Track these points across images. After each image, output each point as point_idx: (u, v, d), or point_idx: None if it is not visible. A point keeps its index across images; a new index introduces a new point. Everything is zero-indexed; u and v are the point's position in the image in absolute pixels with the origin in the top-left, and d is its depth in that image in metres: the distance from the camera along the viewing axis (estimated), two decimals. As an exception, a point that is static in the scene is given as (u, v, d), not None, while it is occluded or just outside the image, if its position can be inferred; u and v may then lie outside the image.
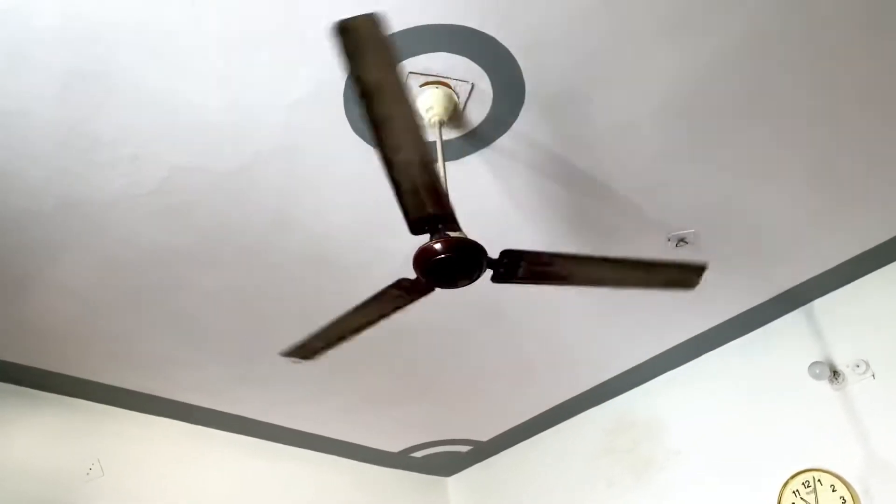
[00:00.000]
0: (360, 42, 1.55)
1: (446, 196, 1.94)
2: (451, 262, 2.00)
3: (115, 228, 2.75)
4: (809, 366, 3.45)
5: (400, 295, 2.24)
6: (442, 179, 1.96)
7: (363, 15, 1.50)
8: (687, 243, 3.11)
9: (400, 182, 1.86)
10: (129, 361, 3.57)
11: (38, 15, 1.99)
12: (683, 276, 2.42)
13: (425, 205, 1.93)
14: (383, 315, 2.35)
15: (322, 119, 2.40)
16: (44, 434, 3.60)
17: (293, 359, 2.61)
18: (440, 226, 1.99)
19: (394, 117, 1.71)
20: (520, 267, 2.15)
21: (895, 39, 2.30)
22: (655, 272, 2.43)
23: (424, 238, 2.02)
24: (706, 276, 3.14)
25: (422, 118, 2.15)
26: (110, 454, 3.76)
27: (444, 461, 5.09)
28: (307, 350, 2.56)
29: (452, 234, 2.01)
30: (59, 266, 2.90)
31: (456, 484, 5.28)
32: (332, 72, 2.23)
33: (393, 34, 2.12)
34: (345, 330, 2.43)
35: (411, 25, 2.11)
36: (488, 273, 2.13)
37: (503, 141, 2.54)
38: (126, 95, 2.25)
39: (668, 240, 3.09)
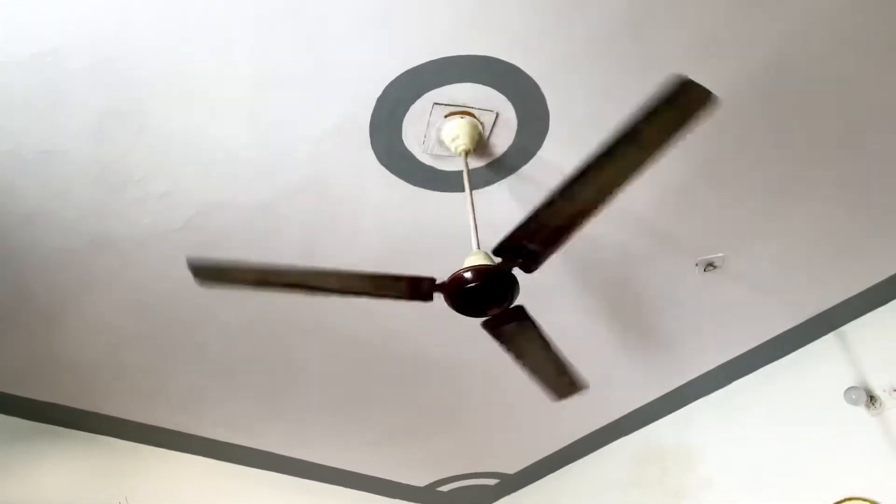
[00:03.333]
0: (681, 103, 1.60)
1: (560, 244, 1.96)
2: (481, 290, 2.00)
3: (146, 264, 2.78)
4: (845, 391, 3.38)
5: (394, 285, 2.10)
6: (569, 235, 1.97)
7: (706, 89, 1.57)
8: (715, 268, 3.09)
9: (551, 206, 1.86)
10: (158, 398, 3.58)
11: (72, 57, 2.05)
12: (563, 384, 2.56)
13: (536, 236, 1.94)
14: (365, 293, 2.12)
15: (348, 152, 2.43)
16: (72, 472, 3.60)
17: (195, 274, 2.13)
18: (522, 259, 2.00)
19: (625, 162, 1.75)
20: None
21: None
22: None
23: (453, 265, 2.02)
24: (736, 298, 3.13)
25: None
26: (138, 492, 3.73)
27: (472, 495, 5.02)
28: (219, 273, 2.17)
29: (482, 262, 2.01)
30: (88, 303, 2.93)
31: (483, 518, 5.19)
32: (357, 105, 2.27)
33: (420, 65, 2.15)
34: (292, 279, 2.12)
35: (436, 57, 2.15)
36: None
37: (528, 169, 2.56)
38: (157, 134, 2.30)
39: (697, 265, 3.07)
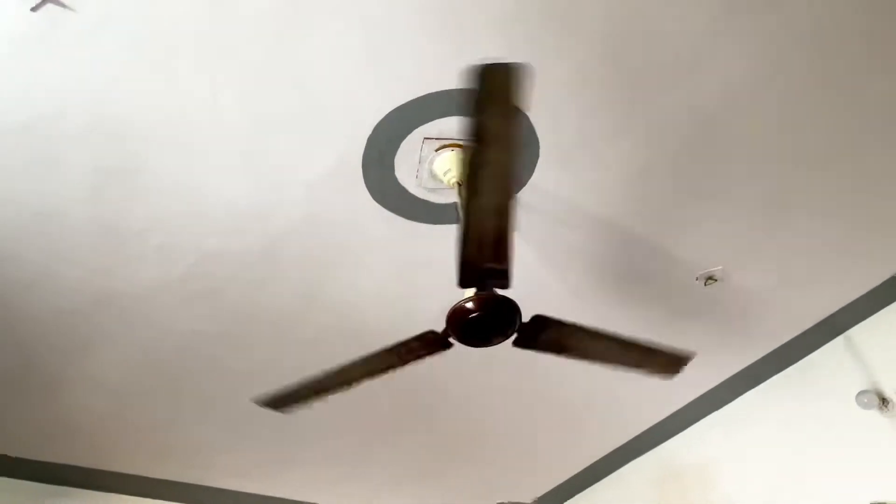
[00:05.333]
0: (494, 88, 1.55)
1: (509, 254, 1.92)
2: (484, 320, 2.00)
3: (147, 318, 2.78)
4: (857, 395, 3.36)
5: (416, 347, 2.19)
6: (510, 238, 1.91)
7: (506, 63, 1.52)
8: (716, 280, 3.09)
9: (469, 229, 1.84)
10: (166, 451, 3.55)
11: (66, 118, 2.08)
12: (670, 363, 2.47)
13: (485, 258, 1.91)
14: (390, 367, 2.28)
15: (343, 191, 2.45)
16: (86, 533, 3.56)
17: (269, 408, 2.46)
18: (490, 281, 1.98)
19: (491, 164, 1.70)
20: (542, 334, 2.17)
21: (899, 60, 2.34)
22: (653, 356, 2.43)
23: (454, 296, 2.02)
24: (740, 309, 3.12)
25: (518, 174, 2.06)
26: (152, 549, 3.70)
27: (492, 527, 4.95)
28: (287, 399, 2.41)
29: (499, 291, 2.01)
30: (92, 362, 2.93)
31: (505, 550, 5.11)
32: (348, 145, 2.29)
33: (408, 102, 2.18)
34: (340, 380, 2.34)
35: (423, 93, 2.18)
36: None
37: (522, 195, 2.57)
38: (153, 187, 2.32)
39: (697, 279, 3.07)
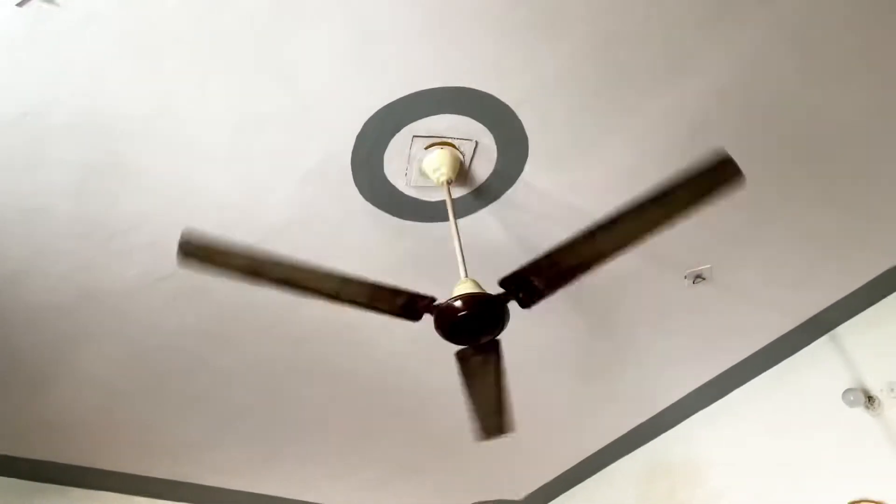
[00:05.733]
0: (716, 180, 1.82)
1: (565, 286, 2.04)
2: (472, 318, 2.00)
3: (135, 315, 2.76)
4: (843, 393, 3.38)
5: (388, 298, 2.04)
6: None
7: (738, 169, 1.78)
8: (704, 279, 3.11)
9: (575, 243, 1.95)
10: (155, 449, 3.53)
11: (52, 114, 2.06)
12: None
13: (546, 274, 2.01)
14: (338, 297, 2.03)
15: (332, 189, 2.44)
16: (72, 530, 3.54)
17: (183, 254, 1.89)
18: (521, 293, 2.04)
19: (662, 216, 1.90)
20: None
21: (890, 64, 2.35)
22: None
23: (443, 294, 2.02)
24: (728, 307, 3.13)
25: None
26: (140, 546, 3.69)
27: (480, 524, 4.96)
28: (201, 251, 1.89)
29: (471, 290, 2.01)
30: (79, 358, 2.91)
31: (494, 547, 5.12)
32: (337, 143, 2.28)
33: (397, 100, 2.18)
34: (280, 274, 1.94)
35: (412, 91, 2.17)
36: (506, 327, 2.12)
37: (511, 194, 2.58)
38: (140, 184, 2.30)
39: (685, 277, 3.09)
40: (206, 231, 2.48)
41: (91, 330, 2.78)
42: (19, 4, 1.80)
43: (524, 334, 3.08)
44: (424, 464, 4.12)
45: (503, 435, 2.60)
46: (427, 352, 3.16)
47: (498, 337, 2.12)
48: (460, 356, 2.21)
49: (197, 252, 1.87)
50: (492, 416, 2.51)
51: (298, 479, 4.03)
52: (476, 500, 4.65)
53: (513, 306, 2.06)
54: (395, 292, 2.03)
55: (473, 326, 2.02)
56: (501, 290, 2.03)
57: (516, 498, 4.72)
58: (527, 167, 2.49)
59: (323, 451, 3.79)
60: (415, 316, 2.06)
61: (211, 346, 2.97)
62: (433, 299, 2.03)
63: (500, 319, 2.03)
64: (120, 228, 2.43)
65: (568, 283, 2.02)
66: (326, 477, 4.04)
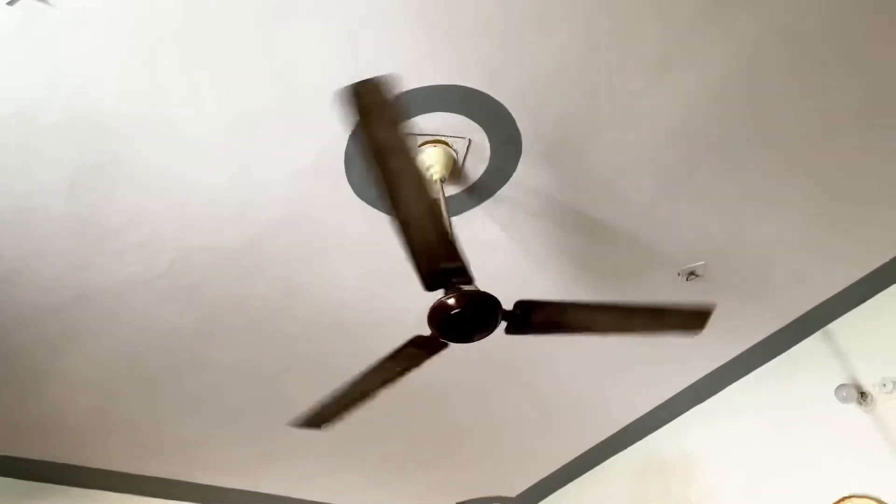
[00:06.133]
0: (368, 105, 1.61)
1: (458, 249, 1.95)
2: (465, 316, 2.00)
3: (128, 314, 2.76)
4: (836, 389, 3.40)
5: (415, 353, 2.24)
6: (451, 232, 1.99)
7: (371, 79, 1.58)
8: (697, 276, 3.12)
9: (412, 238, 1.88)
10: (150, 447, 3.53)
11: (44, 113, 2.06)
12: (690, 319, 2.41)
13: (438, 259, 1.94)
14: (397, 375, 2.33)
15: (325, 186, 2.44)
16: (68, 529, 3.54)
17: (306, 427, 2.56)
18: (454, 279, 2.00)
19: (401, 174, 1.75)
20: (533, 316, 2.16)
21: (882, 59, 2.36)
22: (664, 317, 2.41)
23: (436, 294, 2.03)
24: (720, 306, 3.14)
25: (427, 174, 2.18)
26: (135, 545, 3.68)
27: (476, 521, 4.97)
28: (319, 418, 2.51)
29: (466, 287, 2.01)
30: (73, 357, 2.90)
31: (489, 543, 5.14)
32: (331, 139, 2.28)
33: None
34: (359, 393, 2.41)
35: (407, 88, 2.17)
36: (501, 326, 2.13)
37: (505, 191, 2.58)
38: (132, 183, 2.30)
39: (679, 274, 3.10)
40: (201, 230, 2.49)
41: (85, 329, 2.78)
42: (9, 3, 1.80)
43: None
44: (419, 460, 4.12)
45: (709, 315, 2.43)
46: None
47: (520, 300, 2.17)
48: (516, 329, 2.21)
49: (316, 422, 2.57)
50: (674, 319, 2.45)
51: (294, 477, 4.03)
52: (471, 497, 4.67)
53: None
54: (411, 345, 2.22)
55: (467, 323, 2.02)
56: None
57: (511, 495, 4.74)
58: (520, 165, 2.49)
59: (318, 449, 3.79)
60: (441, 346, 2.20)
61: (205, 345, 2.96)
62: (422, 336, 2.17)
63: (494, 319, 2.03)
64: (113, 227, 2.42)
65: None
66: (322, 474, 4.05)
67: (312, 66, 2.07)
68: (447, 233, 1.91)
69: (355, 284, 2.86)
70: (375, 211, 2.56)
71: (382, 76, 1.59)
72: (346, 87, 1.57)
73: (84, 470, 3.56)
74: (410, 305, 2.91)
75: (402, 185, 1.78)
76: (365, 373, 2.33)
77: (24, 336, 2.75)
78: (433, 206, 1.85)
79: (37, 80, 1.97)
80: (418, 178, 1.78)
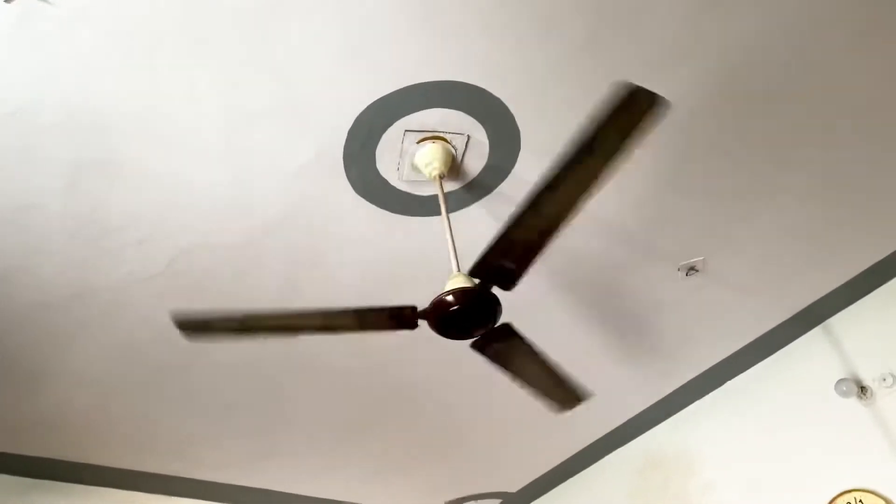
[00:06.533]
0: (634, 109, 1.62)
1: (534, 260, 1.98)
2: (464, 313, 2.00)
3: (127, 312, 2.76)
4: (836, 383, 3.40)
5: (382, 320, 2.14)
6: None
7: (654, 93, 1.60)
8: (697, 271, 3.11)
9: (520, 219, 1.87)
10: (150, 444, 3.54)
11: (43, 112, 2.05)
12: (566, 398, 2.52)
13: (509, 255, 1.96)
14: (350, 329, 2.19)
15: (324, 183, 2.44)
16: (69, 526, 3.55)
17: (187, 333, 2.22)
18: (498, 277, 2.01)
19: (587, 172, 1.76)
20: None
21: (881, 54, 2.35)
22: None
23: (436, 288, 2.02)
24: (720, 301, 3.15)
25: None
26: (136, 541, 3.69)
27: (476, 517, 4.98)
28: (201, 325, 2.18)
29: (463, 285, 2.01)
30: (73, 355, 2.90)
31: (489, 539, 5.15)
32: (329, 137, 2.28)
33: (389, 94, 2.17)
34: (290, 325, 2.20)
35: (404, 85, 2.17)
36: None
37: (504, 187, 2.57)
38: (131, 181, 2.30)
39: (679, 269, 3.10)
40: (201, 228, 2.48)
41: (84, 326, 2.78)
42: (7, 1, 1.79)
43: (518, 328, 3.08)
44: (419, 456, 4.13)
45: (581, 402, 2.58)
46: (419, 347, 3.17)
47: (509, 322, 2.16)
48: (476, 347, 2.22)
49: (194, 326, 2.15)
50: (554, 390, 2.52)
51: (295, 473, 4.04)
52: (470, 493, 4.68)
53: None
54: (377, 311, 2.10)
55: (466, 320, 2.02)
56: (477, 281, 2.04)
57: (511, 490, 4.74)
58: (519, 161, 2.49)
59: (318, 445, 3.80)
60: (410, 325, 2.10)
61: (204, 343, 2.96)
62: (414, 308, 2.08)
63: (493, 311, 2.03)
64: (112, 225, 2.42)
65: (536, 255, 2.01)
66: (320, 472, 4.06)
67: (311, 64, 2.06)
68: (541, 244, 1.95)
69: (354, 282, 2.85)
70: (375, 207, 2.56)
71: (662, 98, 1.61)
72: (628, 84, 1.58)
73: (83, 466, 3.57)
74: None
75: (576, 181, 1.78)
76: (309, 310, 2.15)
77: (24, 333, 2.75)
78: (561, 215, 1.87)
79: (34, 78, 1.96)
80: (589, 186, 1.78)
